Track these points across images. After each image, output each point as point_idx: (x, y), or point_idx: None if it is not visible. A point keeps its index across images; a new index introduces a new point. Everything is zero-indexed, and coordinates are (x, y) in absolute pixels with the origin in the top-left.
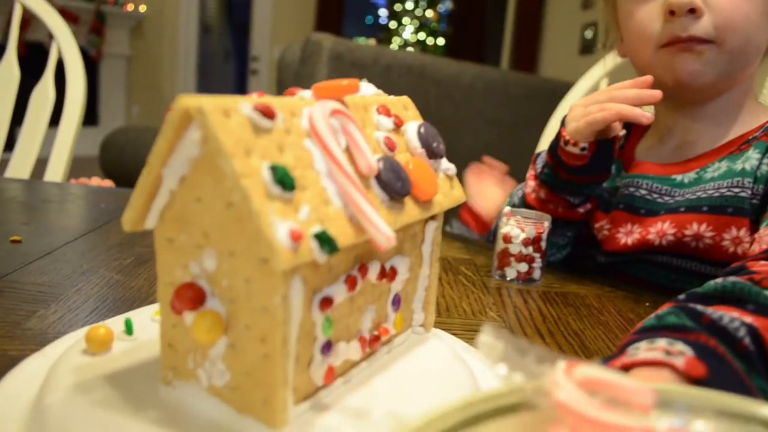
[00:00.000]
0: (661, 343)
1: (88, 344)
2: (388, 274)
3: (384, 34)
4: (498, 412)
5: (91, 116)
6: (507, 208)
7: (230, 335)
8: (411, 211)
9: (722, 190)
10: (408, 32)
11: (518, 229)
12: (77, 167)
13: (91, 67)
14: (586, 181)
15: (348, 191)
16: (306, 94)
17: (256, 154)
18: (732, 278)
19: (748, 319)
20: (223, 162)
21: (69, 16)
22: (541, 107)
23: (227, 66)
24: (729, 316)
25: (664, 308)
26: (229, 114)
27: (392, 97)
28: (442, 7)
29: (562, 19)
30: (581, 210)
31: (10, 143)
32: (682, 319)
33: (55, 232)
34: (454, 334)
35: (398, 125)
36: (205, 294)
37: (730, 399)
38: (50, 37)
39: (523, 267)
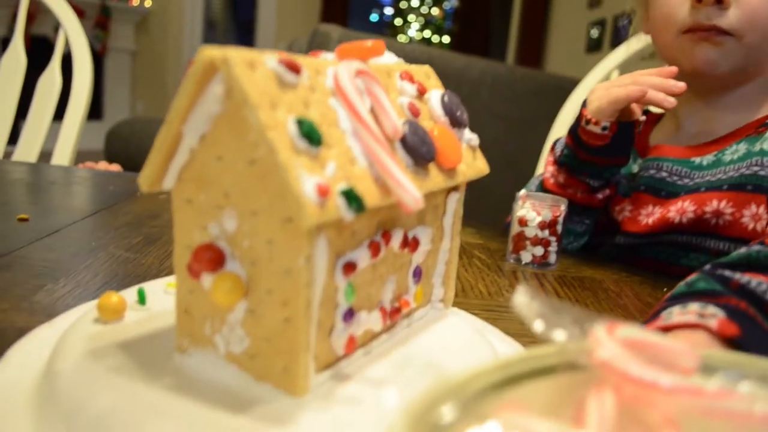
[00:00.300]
0: (694, 307)
1: (100, 312)
2: (410, 244)
3: (389, 32)
4: (537, 372)
5: (95, 111)
6: (523, 192)
7: (250, 299)
8: (435, 178)
9: (742, 170)
10: (413, 30)
11: (534, 213)
12: (82, 161)
13: (96, 61)
14: (606, 163)
15: (374, 151)
16: (329, 56)
17: (281, 108)
18: (756, 247)
19: None
20: (248, 113)
21: (74, 10)
22: (549, 103)
23: None
24: (756, 280)
25: (693, 276)
26: (255, 66)
27: (414, 65)
28: (447, 5)
29: (568, 18)
30: (600, 196)
31: (14, 137)
32: (711, 284)
33: (62, 212)
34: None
35: (421, 92)
36: (224, 255)
37: None
38: (55, 30)
39: (539, 251)
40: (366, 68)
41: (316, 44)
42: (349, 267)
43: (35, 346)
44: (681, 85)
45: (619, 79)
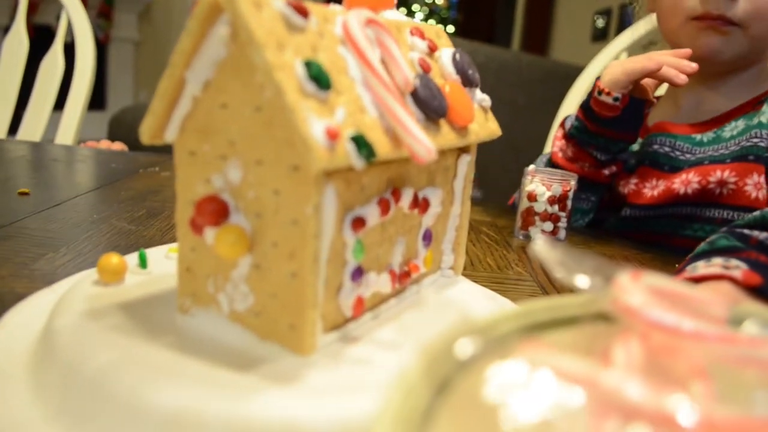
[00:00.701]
0: (718, 260)
1: (100, 274)
2: (420, 205)
3: None
4: (560, 322)
5: (98, 100)
6: (532, 167)
7: (255, 254)
8: (447, 135)
9: (742, 143)
10: (417, 19)
11: (544, 187)
12: None
13: (99, 51)
14: (614, 136)
15: (386, 100)
16: (337, 7)
17: (289, 49)
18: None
19: None
20: (254, 53)
21: None
22: (555, 90)
23: None
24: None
25: (714, 236)
26: (261, 6)
27: (425, 24)
28: None
29: (574, 7)
30: (606, 171)
31: (15, 128)
32: (731, 241)
33: (63, 187)
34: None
35: (432, 50)
36: (228, 207)
37: None
38: (59, 19)
39: (548, 226)
40: (377, 18)
41: None
42: (358, 222)
43: (35, 309)
44: (694, 66)
45: (633, 57)
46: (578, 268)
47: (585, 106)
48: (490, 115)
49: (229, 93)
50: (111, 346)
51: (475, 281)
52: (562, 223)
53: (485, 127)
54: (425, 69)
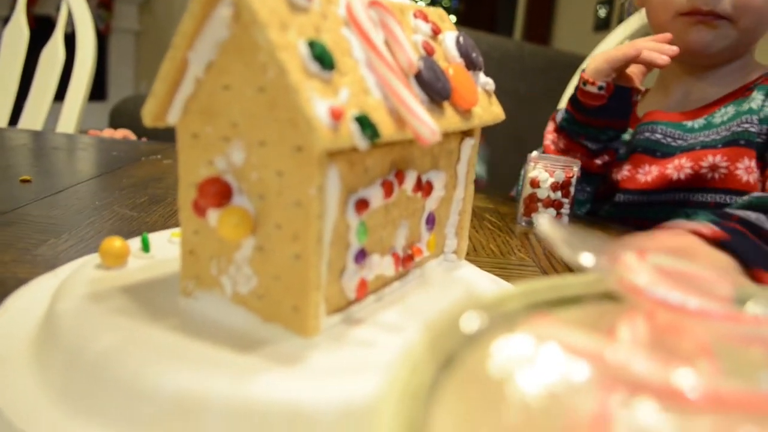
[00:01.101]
0: (689, 224)
1: (102, 257)
2: (424, 188)
3: None
4: (566, 301)
5: (99, 91)
6: (534, 153)
7: (258, 236)
8: (451, 118)
9: (733, 128)
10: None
11: (546, 174)
12: None
13: (100, 41)
14: (602, 125)
15: (390, 82)
16: None
17: (292, 30)
18: (757, 194)
19: None
20: (257, 33)
21: None
22: (558, 79)
23: None
24: (756, 214)
25: (696, 216)
26: None
27: (429, 7)
28: None
29: None
30: (599, 161)
31: (15, 119)
32: (710, 216)
33: (65, 175)
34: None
35: (436, 32)
36: (231, 189)
37: None
38: (58, 9)
39: (551, 213)
40: (380, 0)
41: None
42: (362, 204)
43: (37, 293)
44: (674, 49)
45: (616, 47)
46: (583, 246)
47: (573, 98)
48: (494, 98)
49: (232, 74)
50: (113, 329)
51: (478, 267)
52: (565, 210)
53: (489, 110)
54: (429, 51)
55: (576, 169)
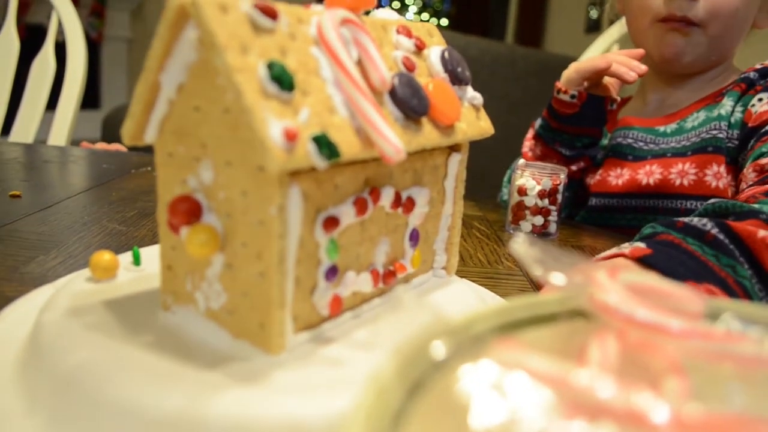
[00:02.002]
0: (625, 245)
1: (92, 270)
2: (404, 204)
3: None
4: (538, 320)
5: (93, 99)
6: (521, 161)
7: (227, 253)
8: (429, 134)
9: (702, 135)
10: (411, 13)
11: (534, 181)
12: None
13: (93, 49)
14: (576, 132)
15: (355, 100)
16: (319, 7)
17: (253, 52)
18: (714, 200)
19: (724, 220)
20: (215, 57)
21: None
22: (549, 83)
23: None
24: (703, 220)
25: (645, 227)
26: (227, 10)
27: (417, 22)
28: None
29: None
30: (574, 167)
31: (7, 129)
32: (655, 228)
33: (55, 189)
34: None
35: (420, 48)
36: (201, 207)
37: None
38: (49, 17)
39: (539, 220)
40: (354, 18)
41: None
42: (331, 222)
43: (33, 305)
44: (643, 68)
45: (588, 58)
46: (556, 265)
47: (548, 105)
48: (483, 113)
49: (201, 96)
50: (89, 344)
51: (466, 277)
52: (553, 217)
53: (475, 125)
54: (409, 67)
55: (563, 177)
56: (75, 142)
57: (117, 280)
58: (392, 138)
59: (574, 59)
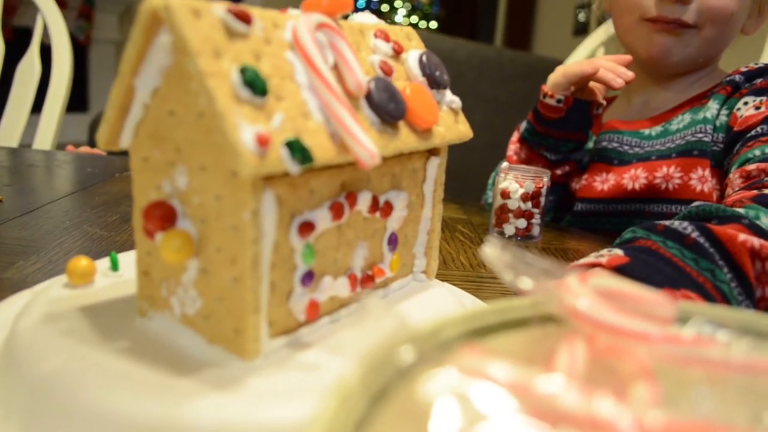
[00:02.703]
0: (603, 251)
1: (68, 276)
2: (382, 209)
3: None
4: (508, 325)
5: (81, 102)
6: (505, 164)
7: (202, 258)
8: (406, 138)
9: (687, 137)
10: (400, 15)
11: (517, 184)
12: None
13: (81, 52)
14: (561, 137)
15: (330, 104)
16: (295, 12)
17: (226, 57)
18: (697, 203)
19: (706, 224)
20: (188, 61)
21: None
22: (537, 85)
23: None
24: (684, 224)
25: (625, 231)
26: (200, 14)
27: (396, 26)
28: None
29: (555, 1)
30: (559, 171)
31: None
32: (635, 233)
33: (38, 193)
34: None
35: (398, 52)
36: (175, 213)
37: (754, 317)
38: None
39: (522, 223)
40: (330, 22)
41: None
42: (307, 227)
43: (9, 311)
44: (630, 75)
45: (577, 61)
46: (527, 270)
47: (534, 109)
48: (461, 116)
49: (175, 100)
50: (63, 350)
51: (448, 280)
52: (536, 220)
53: (453, 129)
54: (387, 72)
55: (546, 180)
56: (61, 145)
57: (94, 285)
58: (367, 143)
59: (561, 62)
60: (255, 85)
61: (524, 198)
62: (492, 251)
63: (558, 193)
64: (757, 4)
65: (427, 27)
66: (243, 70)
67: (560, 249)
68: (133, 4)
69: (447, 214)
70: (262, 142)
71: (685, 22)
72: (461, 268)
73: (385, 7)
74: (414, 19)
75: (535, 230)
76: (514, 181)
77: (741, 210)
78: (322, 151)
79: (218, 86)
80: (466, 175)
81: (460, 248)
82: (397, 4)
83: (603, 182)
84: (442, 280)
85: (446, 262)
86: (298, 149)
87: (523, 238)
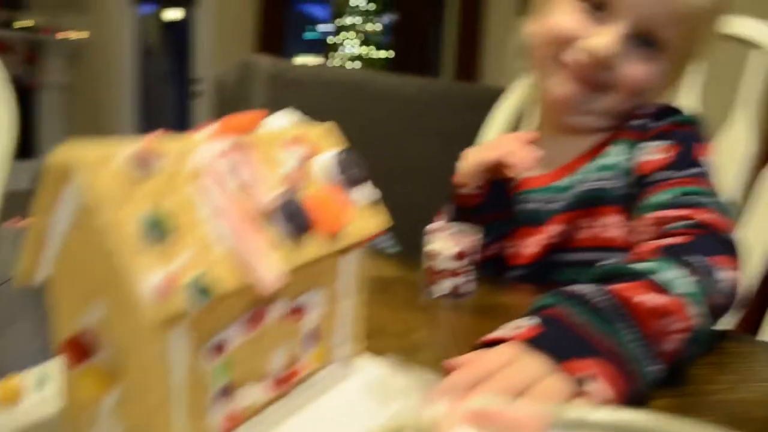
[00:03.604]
0: (522, 321)
1: None
2: (297, 312)
3: (328, 49)
4: None
5: (27, 149)
6: (433, 225)
7: (120, 389)
8: (314, 247)
9: (593, 185)
10: (350, 47)
11: (446, 244)
12: (13, 203)
13: (28, 96)
14: (486, 221)
15: (232, 232)
16: (210, 129)
17: (130, 205)
18: (609, 262)
19: (610, 287)
20: (93, 217)
21: (1, 46)
22: (483, 114)
23: (170, 89)
24: (591, 287)
25: (539, 296)
26: (104, 164)
27: (315, 124)
28: (386, 20)
29: (502, 25)
30: (493, 250)
31: None
32: (545, 300)
33: None
34: (383, 356)
35: (311, 155)
36: (93, 346)
37: (631, 415)
38: None
39: (453, 282)
40: (237, 144)
41: (244, 75)
42: (219, 348)
43: None
44: (535, 154)
45: (487, 143)
46: (399, 390)
47: (455, 208)
48: (378, 208)
49: (86, 239)
50: None
51: (382, 352)
52: (467, 277)
53: (367, 224)
54: (295, 182)
55: (476, 237)
56: (7, 194)
57: (20, 406)
58: (264, 271)
59: (507, 90)
60: (155, 230)
61: (455, 257)
62: (380, 377)
63: (491, 268)
64: (674, 77)
65: (379, 57)
66: (144, 218)
67: (491, 305)
68: (80, 46)
69: (383, 273)
70: (165, 286)
71: (604, 83)
72: (395, 335)
73: (338, 39)
74: (364, 49)
75: (470, 286)
76: (444, 241)
77: (647, 264)
78: (225, 282)
79: (119, 237)
80: (413, 210)
81: (394, 312)
82: (348, 35)
83: (527, 246)
84: (375, 352)
85: (381, 329)
86: (200, 287)
87: (456, 296)
